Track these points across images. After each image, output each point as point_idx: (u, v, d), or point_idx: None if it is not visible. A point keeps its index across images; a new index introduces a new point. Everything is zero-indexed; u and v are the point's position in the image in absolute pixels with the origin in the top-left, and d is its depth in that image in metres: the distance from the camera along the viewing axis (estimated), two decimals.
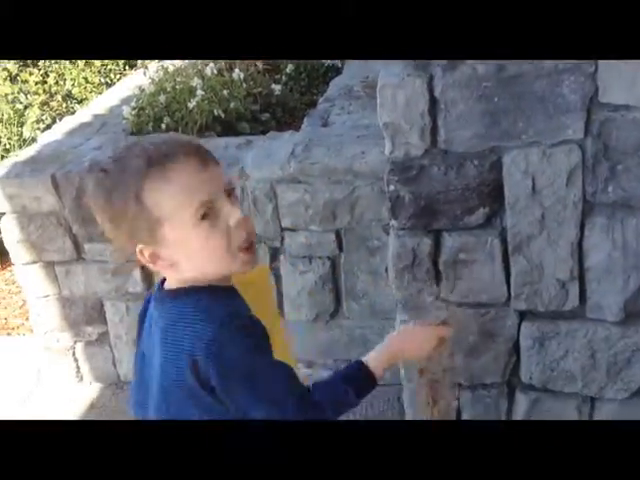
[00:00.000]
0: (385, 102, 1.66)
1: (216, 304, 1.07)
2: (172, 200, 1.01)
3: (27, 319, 3.18)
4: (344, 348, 2.46)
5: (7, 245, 2.41)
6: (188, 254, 1.05)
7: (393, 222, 1.93)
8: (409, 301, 1.99)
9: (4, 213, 2.35)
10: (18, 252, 2.38)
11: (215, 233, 1.03)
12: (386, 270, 2.33)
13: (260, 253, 2.37)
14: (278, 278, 2.40)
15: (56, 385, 2.63)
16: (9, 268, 3.62)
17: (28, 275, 2.44)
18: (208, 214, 1.03)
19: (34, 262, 2.41)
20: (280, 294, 2.42)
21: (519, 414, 1.82)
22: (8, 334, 3.08)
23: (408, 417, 2.08)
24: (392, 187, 1.83)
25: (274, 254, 2.38)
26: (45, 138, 2.60)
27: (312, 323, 2.44)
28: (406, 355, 1.39)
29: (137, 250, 1.05)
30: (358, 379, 1.20)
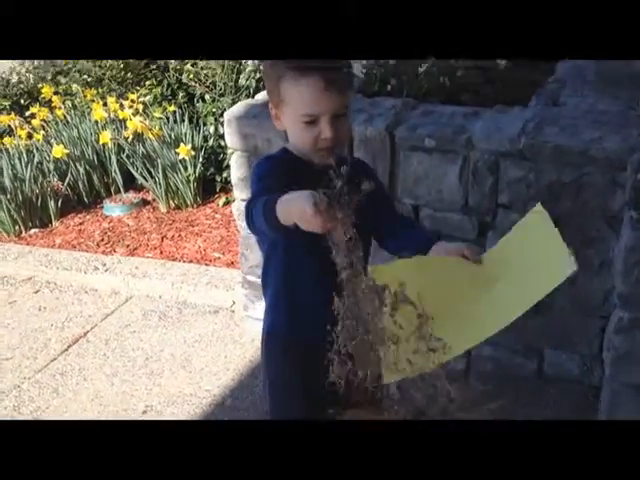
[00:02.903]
0: None
1: (277, 158, 1.49)
2: (292, 99, 1.38)
3: (224, 253, 3.41)
4: (537, 336, 2.40)
5: (233, 181, 2.57)
6: (289, 131, 1.46)
7: (632, 213, 1.85)
8: (633, 297, 1.91)
9: (236, 150, 2.51)
10: (242, 189, 2.54)
11: (307, 134, 1.39)
12: (600, 265, 2.24)
13: (469, 226, 2.36)
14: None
15: (247, 318, 2.80)
16: (210, 205, 3.89)
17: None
18: (309, 122, 1.38)
19: None
20: None
21: None
22: (206, 264, 3.32)
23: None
24: None
25: (482, 228, 2.35)
26: None
27: None
28: None
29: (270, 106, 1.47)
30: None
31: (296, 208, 1.18)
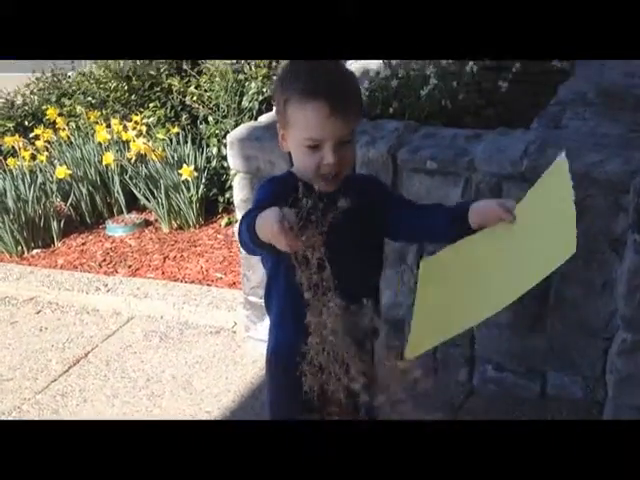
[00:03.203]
0: None
1: (279, 180, 1.47)
2: (297, 122, 1.37)
3: (226, 274, 3.41)
4: (540, 358, 2.39)
5: (236, 202, 2.58)
6: (293, 154, 1.43)
7: (636, 236, 1.85)
8: (636, 319, 1.91)
9: (238, 171, 2.52)
10: (245, 210, 2.54)
11: (310, 159, 1.37)
12: (603, 286, 2.24)
13: None
14: None
15: (248, 339, 2.80)
16: (212, 225, 3.90)
17: None
18: (313, 147, 1.36)
19: None
20: None
21: None
22: (208, 285, 3.32)
23: None
24: None
25: None
26: None
27: (511, 326, 2.40)
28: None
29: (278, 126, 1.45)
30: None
31: (265, 225, 1.18)
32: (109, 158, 3.87)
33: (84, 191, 3.99)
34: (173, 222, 3.87)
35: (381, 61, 2.85)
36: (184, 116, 4.21)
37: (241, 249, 2.78)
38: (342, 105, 1.35)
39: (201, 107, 4.05)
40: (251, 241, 1.27)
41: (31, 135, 4.42)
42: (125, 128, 4.06)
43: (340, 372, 1.18)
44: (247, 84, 3.99)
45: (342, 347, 1.17)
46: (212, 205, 3.94)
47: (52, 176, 3.98)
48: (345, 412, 1.22)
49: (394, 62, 2.81)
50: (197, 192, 3.79)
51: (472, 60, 2.76)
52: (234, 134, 2.59)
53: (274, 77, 4.02)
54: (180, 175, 3.69)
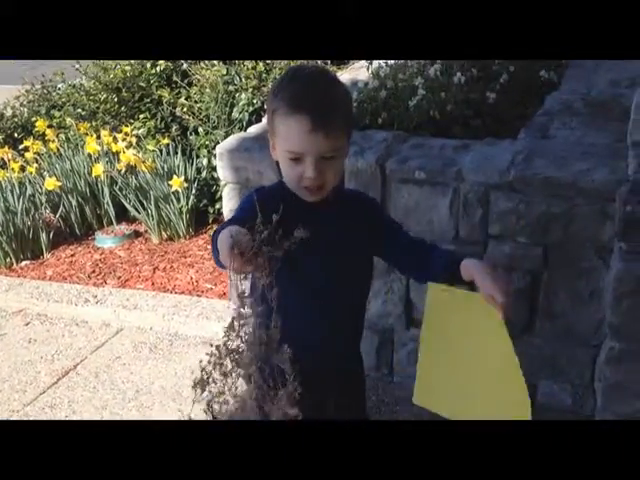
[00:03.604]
0: None
1: (267, 191, 1.48)
2: (280, 133, 1.37)
3: (216, 284, 3.40)
4: (529, 366, 2.39)
5: (225, 212, 2.59)
6: (280, 163, 1.42)
7: (622, 245, 1.87)
8: (624, 328, 1.92)
9: (228, 182, 2.52)
10: None
11: (292, 171, 1.38)
12: (590, 295, 2.25)
13: None
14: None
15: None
16: (202, 236, 3.90)
17: None
18: (295, 159, 1.36)
19: None
20: None
21: None
22: (198, 295, 3.31)
23: None
24: (629, 208, 1.77)
25: None
26: None
27: None
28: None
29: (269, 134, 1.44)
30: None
31: (220, 246, 1.16)
32: (99, 169, 3.86)
33: (73, 202, 3.98)
34: (163, 233, 3.87)
35: (369, 72, 2.88)
36: (174, 127, 4.21)
37: None
38: (325, 121, 1.32)
39: (191, 118, 4.06)
40: (215, 257, 1.27)
41: (20, 147, 4.41)
42: (115, 139, 4.06)
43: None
44: (237, 95, 4.00)
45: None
46: (202, 216, 3.94)
47: (41, 188, 3.96)
48: None
49: (382, 73, 2.83)
50: (187, 203, 3.79)
51: (473, 59, 2.77)
52: (223, 145, 2.60)
53: (264, 88, 4.05)
54: (170, 186, 3.69)
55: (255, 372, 1.13)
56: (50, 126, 4.52)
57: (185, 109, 4.08)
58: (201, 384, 1.17)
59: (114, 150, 4.01)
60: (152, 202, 3.76)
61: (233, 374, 1.15)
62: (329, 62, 4.25)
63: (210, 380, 1.17)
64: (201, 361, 1.15)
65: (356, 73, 2.94)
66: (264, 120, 2.86)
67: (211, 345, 1.16)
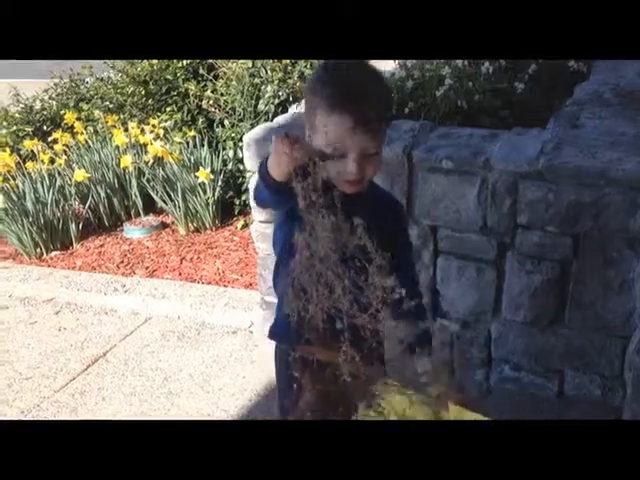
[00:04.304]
0: None
1: None
2: (321, 129, 1.32)
3: (242, 275, 3.43)
4: (558, 357, 2.39)
5: (252, 203, 2.60)
6: None
7: None
8: None
9: (254, 172, 2.54)
10: (260, 211, 2.56)
11: (332, 167, 1.29)
12: (620, 285, 2.23)
13: (488, 246, 2.36)
14: (501, 274, 2.38)
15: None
16: (228, 227, 3.93)
17: (264, 232, 2.62)
18: (335, 155, 1.31)
19: (271, 221, 2.58)
20: (500, 290, 2.40)
21: None
22: (224, 286, 3.34)
23: None
24: None
25: (501, 249, 2.36)
26: (295, 110, 2.78)
27: (529, 326, 2.39)
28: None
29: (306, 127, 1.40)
30: None
31: (273, 150, 1.21)
32: (127, 161, 3.91)
33: (102, 194, 4.03)
34: (190, 224, 3.90)
35: (396, 63, 2.87)
36: (200, 120, 4.24)
37: (258, 251, 2.79)
38: (367, 118, 1.31)
39: (217, 111, 4.08)
40: (265, 186, 1.27)
41: (50, 139, 4.47)
42: (142, 132, 4.10)
43: (322, 295, 1.16)
44: (263, 88, 4.01)
45: (328, 266, 1.15)
46: (228, 207, 3.97)
47: (70, 179, 4.02)
48: (321, 342, 1.21)
49: (409, 63, 2.82)
50: (213, 194, 3.82)
51: (474, 59, 2.76)
52: (251, 135, 2.61)
53: (289, 80, 4.06)
54: (197, 178, 3.72)
55: None
56: (79, 119, 4.57)
57: (211, 102, 4.11)
58: None
59: (141, 142, 4.05)
60: (179, 194, 3.79)
61: None
62: None
63: None
64: None
65: (382, 63, 2.93)
66: (290, 111, 2.87)
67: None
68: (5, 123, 4.98)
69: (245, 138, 2.63)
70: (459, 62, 2.76)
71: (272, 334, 1.62)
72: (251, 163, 2.63)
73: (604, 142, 2.24)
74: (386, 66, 3.00)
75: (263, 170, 1.26)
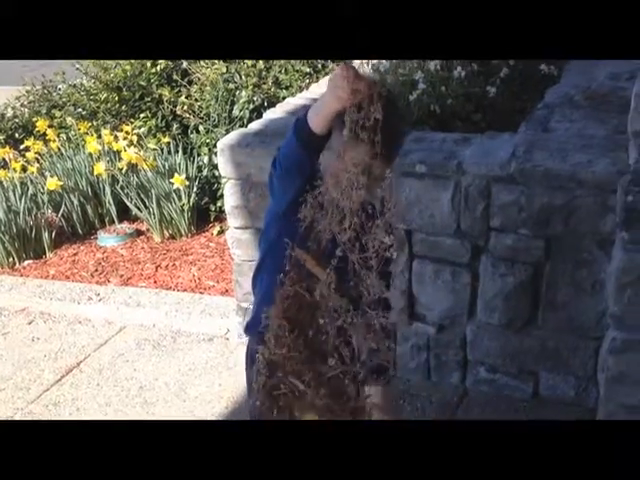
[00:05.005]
0: None
1: None
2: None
3: (218, 282, 3.41)
4: (533, 358, 2.41)
5: (227, 209, 2.59)
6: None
7: (624, 234, 1.87)
8: (626, 318, 1.92)
9: (229, 178, 2.53)
10: (236, 217, 2.55)
11: None
12: (592, 286, 2.25)
13: (462, 250, 2.37)
14: (476, 277, 2.39)
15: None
16: (204, 234, 3.90)
17: (240, 238, 2.61)
18: None
19: (247, 227, 2.58)
20: (474, 293, 2.41)
21: None
22: (200, 293, 3.31)
23: None
24: (630, 198, 1.77)
25: (475, 252, 2.37)
26: (270, 115, 2.77)
27: (503, 328, 2.41)
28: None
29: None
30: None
31: (328, 85, 1.24)
32: (100, 168, 3.87)
33: (75, 202, 3.99)
34: (165, 231, 3.87)
35: (369, 67, 2.88)
36: (175, 126, 4.22)
37: (234, 257, 2.78)
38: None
39: (192, 116, 4.07)
40: (299, 142, 1.31)
41: (22, 147, 4.41)
42: (116, 138, 4.07)
43: (334, 217, 1.25)
44: (237, 93, 4.01)
45: (347, 198, 1.23)
46: (204, 214, 3.94)
47: (43, 187, 3.97)
48: (318, 254, 1.29)
49: (382, 68, 2.83)
50: (189, 201, 3.80)
51: (473, 59, 2.77)
52: (225, 141, 2.60)
53: (264, 86, 4.05)
54: (172, 184, 3.70)
55: None
56: (51, 126, 4.52)
57: (185, 107, 4.09)
58: None
59: (115, 149, 4.02)
60: (154, 200, 3.76)
61: None
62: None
63: None
64: None
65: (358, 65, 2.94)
66: (265, 116, 2.86)
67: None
68: None
69: (219, 144, 2.62)
70: (432, 66, 2.77)
71: (249, 329, 1.63)
72: (225, 168, 2.61)
73: (574, 145, 2.27)
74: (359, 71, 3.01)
75: (300, 123, 1.31)
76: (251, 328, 1.60)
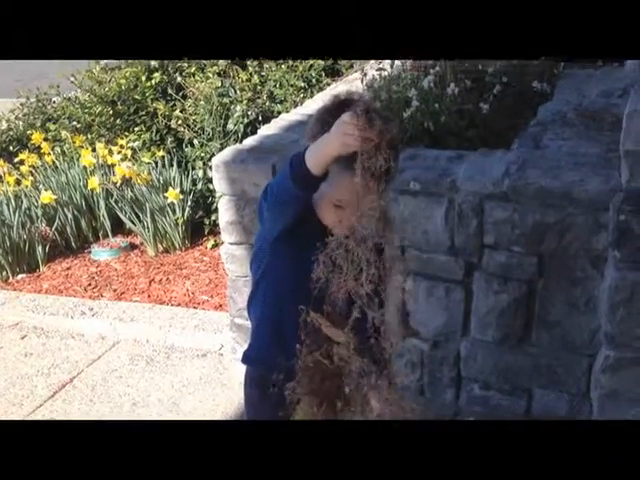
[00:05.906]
0: (632, 129, 1.62)
1: None
2: (332, 181, 1.36)
3: (212, 296, 3.40)
4: (526, 376, 2.41)
5: (221, 224, 2.59)
6: (320, 200, 1.44)
7: (616, 253, 1.88)
8: (619, 336, 1.93)
9: (224, 194, 2.53)
10: (230, 232, 2.56)
11: (332, 214, 1.42)
12: (585, 303, 2.26)
13: (455, 266, 2.38)
14: (469, 293, 2.40)
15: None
16: (198, 248, 3.90)
17: (234, 254, 2.61)
18: (339, 206, 1.39)
19: (241, 243, 2.58)
20: (468, 310, 2.42)
21: None
22: (194, 307, 3.31)
23: None
24: (623, 217, 1.78)
25: (469, 269, 2.38)
26: (265, 131, 2.78)
27: (497, 345, 2.41)
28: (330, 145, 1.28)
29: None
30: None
31: (335, 130, 1.19)
32: (94, 182, 3.87)
33: (69, 215, 3.98)
34: (159, 245, 3.87)
35: (363, 84, 2.90)
36: (169, 139, 4.23)
37: (228, 272, 2.78)
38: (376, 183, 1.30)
39: (186, 130, 4.08)
40: (294, 180, 1.27)
41: (16, 160, 4.41)
42: (110, 152, 4.07)
43: (349, 273, 1.21)
44: (232, 107, 4.02)
45: (361, 251, 1.20)
46: (198, 228, 3.95)
47: (37, 201, 3.97)
48: (333, 316, 1.25)
49: (376, 85, 2.85)
50: (183, 215, 3.80)
51: (473, 59, 2.78)
52: (219, 157, 2.61)
53: (258, 100, 4.07)
54: (166, 198, 3.70)
55: None
56: (45, 139, 4.52)
57: (180, 121, 4.10)
58: None
59: (109, 163, 4.02)
60: (148, 214, 3.76)
61: None
62: (323, 74, 4.30)
63: None
64: None
65: (350, 85, 2.96)
66: (260, 131, 2.87)
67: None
68: None
69: (214, 160, 2.63)
70: (425, 83, 2.79)
71: (246, 358, 1.62)
72: (220, 185, 2.62)
73: (567, 163, 2.28)
74: (353, 87, 3.02)
75: (297, 161, 1.27)
76: (252, 358, 1.60)
